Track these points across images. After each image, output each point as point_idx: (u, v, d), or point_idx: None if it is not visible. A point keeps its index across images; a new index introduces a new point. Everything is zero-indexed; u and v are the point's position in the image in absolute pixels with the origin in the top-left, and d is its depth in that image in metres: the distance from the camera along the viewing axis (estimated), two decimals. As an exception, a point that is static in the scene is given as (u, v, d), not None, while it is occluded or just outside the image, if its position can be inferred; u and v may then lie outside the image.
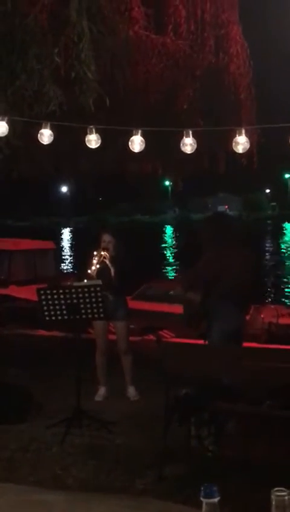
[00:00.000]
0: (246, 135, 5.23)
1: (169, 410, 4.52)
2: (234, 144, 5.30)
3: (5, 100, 5.21)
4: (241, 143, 5.30)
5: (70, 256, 39.47)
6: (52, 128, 5.42)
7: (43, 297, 5.49)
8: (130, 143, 5.34)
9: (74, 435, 5.15)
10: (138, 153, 5.63)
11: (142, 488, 4.11)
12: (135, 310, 8.69)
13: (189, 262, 6.32)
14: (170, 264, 33.37)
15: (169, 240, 55.44)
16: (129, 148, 5.47)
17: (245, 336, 5.85)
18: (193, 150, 5.31)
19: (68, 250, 44.38)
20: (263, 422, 4.53)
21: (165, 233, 63.60)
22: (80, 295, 5.47)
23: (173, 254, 40.36)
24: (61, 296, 5.47)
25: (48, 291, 5.51)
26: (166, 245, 48.89)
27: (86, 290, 5.50)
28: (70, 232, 68.27)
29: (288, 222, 66.84)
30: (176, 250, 42.84)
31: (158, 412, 4.82)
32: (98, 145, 5.42)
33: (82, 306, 5.48)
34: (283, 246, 45.12)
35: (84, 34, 5.21)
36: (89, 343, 6.53)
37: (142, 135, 5.32)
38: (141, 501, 2.38)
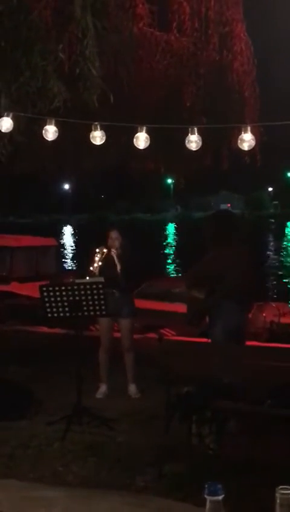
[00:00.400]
0: (251, 132, 5.22)
1: (170, 408, 4.52)
2: (239, 141, 5.29)
3: (9, 96, 5.19)
4: (246, 140, 5.29)
5: (71, 253, 39.49)
6: (56, 125, 5.41)
7: (45, 294, 5.48)
8: (135, 140, 5.33)
9: (74, 432, 5.14)
10: (141, 150, 5.62)
11: (143, 486, 4.11)
12: (137, 308, 8.69)
13: (190, 261, 6.30)
14: (171, 263, 33.37)
15: (170, 238, 55.42)
16: (132, 145, 5.46)
17: (247, 334, 5.85)
18: (198, 147, 5.30)
19: (69, 248, 44.39)
20: (263, 421, 4.52)
21: (167, 232, 63.57)
22: (82, 292, 5.46)
23: (174, 252, 40.35)
24: (64, 293, 5.47)
25: (51, 288, 5.50)
26: (167, 243, 48.87)
27: (88, 287, 5.50)
28: (71, 229, 68.28)
29: (290, 221, 66.78)
30: (177, 248, 42.82)
31: (159, 410, 4.82)
32: (102, 141, 5.41)
33: (84, 303, 5.48)
34: (285, 244, 45.08)
35: (88, 31, 5.20)
36: (91, 340, 6.53)
37: (147, 132, 5.31)
38: (142, 498, 2.37)
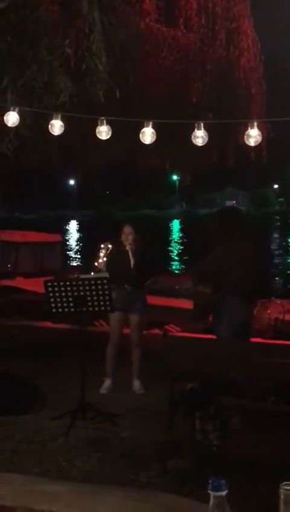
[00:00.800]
0: (258, 128, 5.19)
1: (174, 404, 4.52)
2: (245, 136, 5.26)
3: (15, 91, 5.19)
4: (253, 136, 5.26)
5: (76, 249, 39.51)
6: (62, 120, 5.40)
7: (50, 289, 5.49)
8: (141, 135, 5.31)
9: (78, 427, 5.15)
10: (146, 146, 5.60)
11: (146, 481, 4.12)
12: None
13: (195, 257, 6.31)
14: (176, 259, 33.35)
15: (176, 235, 55.38)
16: (138, 141, 5.44)
17: (252, 331, 5.84)
18: (204, 143, 5.27)
19: (74, 244, 44.42)
20: (267, 417, 4.51)
21: (172, 228, 63.53)
22: (87, 287, 5.47)
23: (179, 249, 40.33)
24: (68, 289, 5.48)
25: (55, 284, 5.51)
26: (173, 240, 48.84)
27: (92, 282, 5.51)
28: (76, 225, 68.30)
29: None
30: (182, 245, 42.79)
31: (163, 406, 4.82)
32: (108, 136, 5.38)
33: (89, 298, 5.49)
34: (290, 242, 44.98)
35: (95, 26, 5.19)
36: (95, 335, 6.54)
37: (153, 127, 5.29)
38: (146, 493, 2.38)
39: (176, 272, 25.27)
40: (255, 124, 5.15)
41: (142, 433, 5.09)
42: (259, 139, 5.24)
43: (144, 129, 5.26)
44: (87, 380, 5.50)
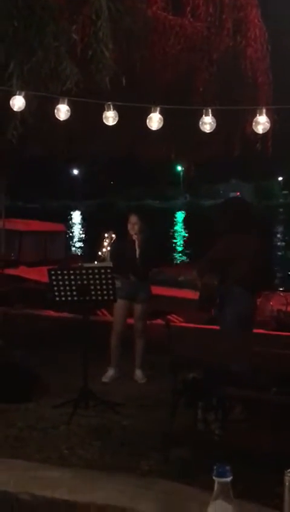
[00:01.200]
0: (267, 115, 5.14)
1: (176, 394, 4.53)
2: (254, 123, 5.21)
3: (21, 76, 5.16)
4: (261, 123, 5.21)
5: (80, 239, 39.51)
6: (68, 106, 5.35)
7: (54, 277, 5.49)
8: (148, 120, 5.25)
9: (80, 415, 5.17)
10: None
11: (147, 469, 4.14)
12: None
13: (199, 249, 6.30)
14: (179, 250, 33.34)
15: (179, 226, 55.33)
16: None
17: (254, 322, 5.84)
18: (212, 129, 5.22)
19: (78, 233, 44.40)
20: (270, 408, 4.52)
21: (176, 220, 63.44)
22: (91, 276, 5.47)
23: (183, 240, 40.29)
24: (72, 277, 5.48)
25: (59, 272, 5.51)
26: (176, 231, 48.79)
27: (96, 271, 5.50)
28: (80, 215, 68.24)
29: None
30: (186, 236, 42.75)
31: (165, 396, 4.83)
32: (115, 122, 5.33)
33: (92, 287, 5.48)
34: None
35: (102, 12, 5.15)
36: (98, 325, 6.54)
37: (160, 114, 5.23)
38: (148, 481, 2.38)
39: (179, 263, 25.24)
40: (264, 110, 5.10)
41: (144, 422, 5.10)
42: (267, 126, 5.19)
43: (151, 115, 5.21)
44: (90, 369, 5.51)
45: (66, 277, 5.48)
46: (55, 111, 5.32)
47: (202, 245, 5.96)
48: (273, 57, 8.06)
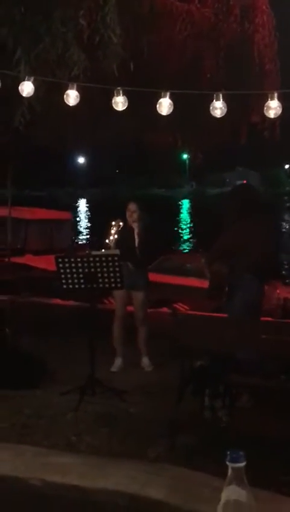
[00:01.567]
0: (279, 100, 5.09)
1: (183, 381, 4.53)
2: (265, 108, 5.17)
3: (29, 63, 5.12)
4: (273, 107, 5.17)
5: (86, 227, 39.50)
6: (77, 91, 5.31)
7: (61, 265, 5.49)
8: (158, 105, 5.21)
9: (87, 402, 5.18)
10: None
11: (155, 456, 4.15)
12: (152, 282, 8.67)
13: (205, 237, 6.28)
14: (185, 239, 33.29)
15: (185, 214, 55.22)
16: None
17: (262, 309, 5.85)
18: (223, 114, 5.18)
19: (84, 221, 44.38)
20: (276, 395, 4.52)
21: (182, 208, 63.30)
22: (98, 264, 5.46)
23: (189, 228, 40.23)
24: (79, 265, 5.48)
25: (66, 260, 5.51)
26: (182, 219, 48.71)
27: (103, 259, 5.50)
28: (86, 203, 68.18)
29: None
30: (192, 224, 42.68)
31: (172, 383, 4.83)
32: (124, 107, 5.28)
33: (99, 275, 5.48)
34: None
35: (109, -3, 5.11)
36: (105, 313, 6.54)
37: (170, 99, 5.19)
38: (158, 467, 2.38)
39: (185, 251, 25.22)
40: (275, 95, 5.06)
41: (151, 410, 5.11)
42: (279, 111, 5.14)
43: (161, 100, 5.17)
44: (97, 356, 5.52)
45: (73, 265, 5.48)
46: (65, 97, 5.28)
47: (208, 233, 5.94)
48: (281, 43, 7.99)
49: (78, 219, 43.86)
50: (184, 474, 2.13)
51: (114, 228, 6.24)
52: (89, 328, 5.58)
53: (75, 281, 5.51)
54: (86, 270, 5.46)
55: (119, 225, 6.24)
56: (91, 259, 5.50)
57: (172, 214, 49.25)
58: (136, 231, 6.30)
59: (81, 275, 5.48)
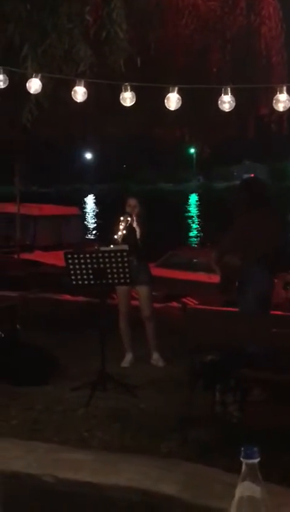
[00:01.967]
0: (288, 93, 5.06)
1: (194, 376, 4.53)
2: (274, 101, 5.14)
3: (35, 60, 5.12)
4: (282, 101, 5.13)
5: (93, 222, 39.52)
6: (85, 87, 5.30)
7: (70, 261, 5.49)
8: (166, 100, 5.19)
9: (98, 398, 5.19)
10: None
11: (167, 452, 4.15)
12: (160, 277, 8.67)
13: (213, 232, 6.26)
14: (193, 233, 33.25)
15: (193, 209, 55.13)
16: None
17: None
18: (231, 108, 5.16)
19: (91, 217, 44.41)
20: (288, 389, 4.51)
21: (189, 202, 63.20)
22: (107, 260, 5.46)
23: (197, 223, 40.17)
24: (88, 261, 5.48)
25: (75, 256, 5.51)
26: (190, 214, 48.63)
27: (112, 255, 5.50)
28: (93, 199, 68.20)
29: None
30: (200, 219, 42.61)
31: (182, 378, 4.84)
32: (132, 103, 5.25)
33: (108, 271, 5.48)
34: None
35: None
36: (114, 308, 6.54)
37: (178, 93, 5.17)
38: (171, 462, 2.38)
39: (194, 246, 25.20)
40: (285, 88, 5.02)
41: (162, 405, 5.11)
42: (288, 104, 5.10)
43: (169, 94, 5.15)
44: (107, 352, 5.52)
45: (82, 261, 5.48)
46: (72, 93, 5.27)
47: (216, 227, 5.93)
48: (288, 34, 7.95)
49: (86, 215, 43.88)
50: (196, 469, 2.12)
51: (122, 224, 6.24)
52: (99, 324, 5.58)
53: (84, 276, 5.51)
54: (95, 265, 5.46)
55: (127, 220, 6.24)
56: (100, 255, 5.50)
57: (180, 208, 49.19)
58: (136, 226, 6.28)
59: (90, 271, 5.48)
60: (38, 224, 13.69)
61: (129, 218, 6.28)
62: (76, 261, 5.49)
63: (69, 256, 5.51)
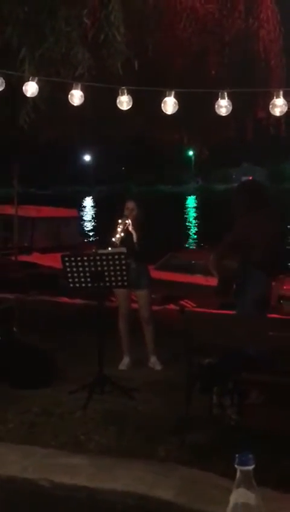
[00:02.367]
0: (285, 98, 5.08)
1: (191, 379, 4.53)
2: (271, 106, 5.15)
3: (33, 63, 5.12)
4: (278, 105, 5.14)
5: (92, 225, 39.51)
6: (82, 90, 5.30)
7: (67, 264, 5.48)
8: (163, 104, 5.19)
9: (96, 400, 5.18)
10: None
11: (164, 455, 4.14)
12: (159, 279, 8.68)
13: (212, 234, 6.27)
14: (192, 236, 33.26)
15: (192, 211, 55.14)
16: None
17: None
18: (228, 112, 5.17)
19: (90, 219, 44.40)
20: (286, 392, 4.50)
21: (188, 204, 63.21)
22: (104, 263, 5.46)
23: (195, 225, 40.18)
24: (86, 264, 5.47)
25: (73, 258, 5.51)
26: (189, 215, 48.64)
27: (110, 257, 5.49)
28: (92, 201, 68.20)
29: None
30: (198, 221, 42.62)
31: (180, 381, 4.83)
32: (129, 106, 5.26)
33: (106, 274, 5.47)
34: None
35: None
36: (112, 311, 6.54)
37: (175, 97, 5.17)
38: (167, 467, 2.38)
39: (192, 248, 25.21)
40: (281, 93, 5.03)
41: (160, 407, 5.11)
42: (285, 108, 5.12)
43: (166, 98, 5.15)
44: (105, 355, 5.52)
45: (79, 263, 5.48)
46: (69, 96, 5.26)
47: (214, 229, 5.93)
48: (286, 38, 7.95)
49: (84, 217, 43.87)
50: (193, 474, 2.12)
51: (120, 226, 6.24)
52: (96, 326, 5.58)
53: (82, 279, 5.50)
54: (93, 268, 5.45)
55: (126, 223, 6.24)
56: (98, 257, 5.50)
57: (179, 210, 49.21)
58: (134, 229, 6.28)
59: (87, 274, 5.48)
60: (36, 226, 13.71)
61: (127, 221, 6.28)
62: (73, 263, 5.48)
63: (67, 258, 5.50)
